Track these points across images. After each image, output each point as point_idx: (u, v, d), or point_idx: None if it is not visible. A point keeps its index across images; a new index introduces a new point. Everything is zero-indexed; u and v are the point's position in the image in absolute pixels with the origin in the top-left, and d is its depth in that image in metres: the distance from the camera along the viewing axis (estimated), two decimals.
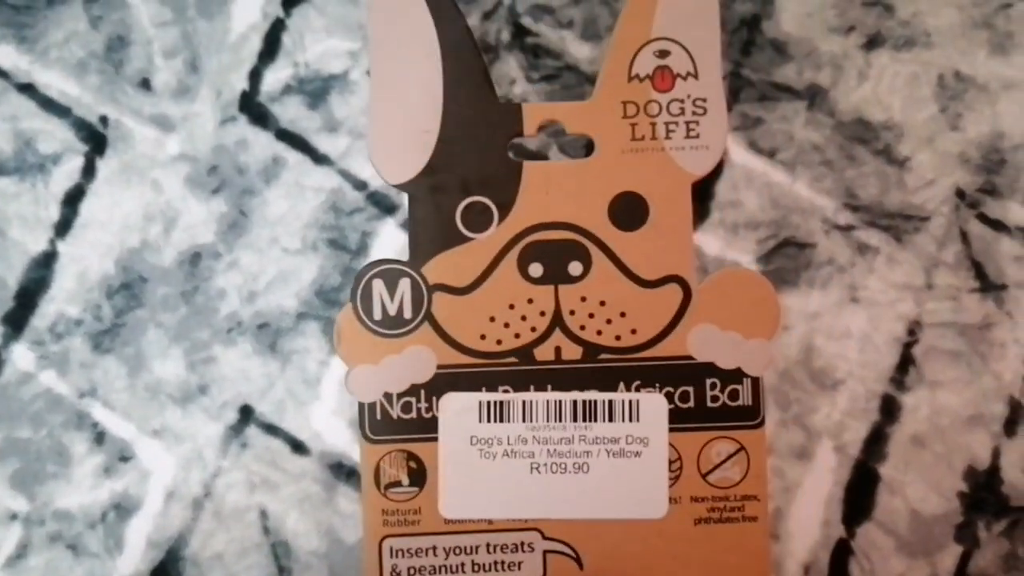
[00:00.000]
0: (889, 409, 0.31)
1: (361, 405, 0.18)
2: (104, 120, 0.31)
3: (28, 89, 0.31)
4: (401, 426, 0.17)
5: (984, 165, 0.32)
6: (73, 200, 0.31)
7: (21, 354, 0.30)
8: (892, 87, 0.33)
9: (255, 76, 0.32)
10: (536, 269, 0.17)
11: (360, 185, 0.31)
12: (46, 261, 0.30)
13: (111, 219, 0.31)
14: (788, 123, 0.33)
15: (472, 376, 0.17)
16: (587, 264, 0.17)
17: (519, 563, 0.16)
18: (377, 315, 0.17)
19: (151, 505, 0.29)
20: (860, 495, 0.30)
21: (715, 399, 0.17)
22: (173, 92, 0.32)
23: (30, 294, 0.30)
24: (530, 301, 0.17)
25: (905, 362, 0.31)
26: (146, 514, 0.29)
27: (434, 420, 0.17)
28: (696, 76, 0.18)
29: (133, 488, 0.29)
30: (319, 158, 0.32)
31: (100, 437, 0.29)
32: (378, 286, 0.18)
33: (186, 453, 0.29)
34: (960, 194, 0.32)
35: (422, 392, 0.17)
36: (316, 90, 0.33)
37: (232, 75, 0.32)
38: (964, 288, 0.31)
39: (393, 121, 0.17)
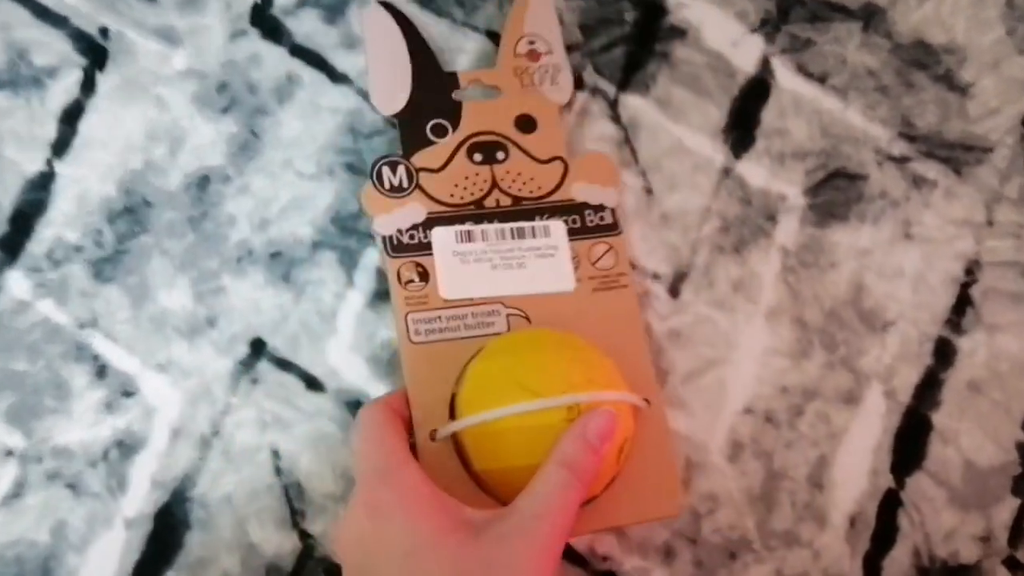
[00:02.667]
0: (943, 353, 0.29)
1: (384, 237, 0.28)
2: (104, 32, 0.29)
3: None
4: (410, 248, 0.28)
5: None
6: (71, 117, 0.29)
7: (17, 281, 0.28)
8: (955, 7, 0.31)
9: None
10: (478, 157, 0.29)
11: None
12: (43, 182, 0.28)
13: (112, 138, 0.29)
14: (841, 45, 0.31)
15: (448, 217, 0.29)
16: (507, 153, 0.30)
17: (492, 322, 0.28)
18: (387, 186, 0.28)
19: (156, 443, 0.27)
20: (911, 443, 0.28)
21: (591, 221, 0.30)
22: (179, 2, 0.30)
23: (26, 217, 0.28)
24: (477, 174, 0.29)
25: (962, 303, 0.29)
26: (151, 452, 0.27)
27: (429, 243, 0.28)
28: (551, 53, 0.31)
29: (137, 425, 0.27)
30: (336, 76, 0.30)
31: (102, 370, 0.27)
32: (386, 170, 0.29)
33: (193, 388, 0.27)
34: None
35: (420, 228, 0.28)
36: (334, 3, 0.30)
37: None
38: None
39: (385, 84, 0.29)
